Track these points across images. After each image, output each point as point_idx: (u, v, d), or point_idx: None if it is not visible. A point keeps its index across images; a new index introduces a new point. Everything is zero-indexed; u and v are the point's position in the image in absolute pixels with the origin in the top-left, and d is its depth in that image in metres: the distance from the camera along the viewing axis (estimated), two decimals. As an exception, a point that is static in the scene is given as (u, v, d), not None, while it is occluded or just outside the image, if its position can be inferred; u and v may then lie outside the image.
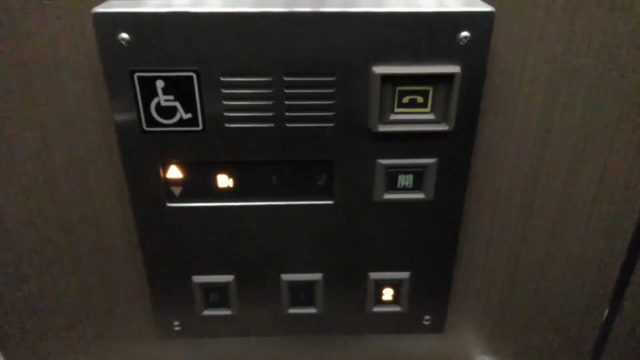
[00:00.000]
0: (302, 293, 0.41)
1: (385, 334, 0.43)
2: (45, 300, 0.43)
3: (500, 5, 0.33)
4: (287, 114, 0.33)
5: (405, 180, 0.36)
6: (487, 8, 0.31)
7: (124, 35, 0.31)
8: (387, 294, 0.41)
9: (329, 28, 0.31)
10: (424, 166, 0.35)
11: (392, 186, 0.36)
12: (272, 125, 0.34)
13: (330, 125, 0.34)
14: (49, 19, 0.33)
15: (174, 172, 0.36)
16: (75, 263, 0.41)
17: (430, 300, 0.41)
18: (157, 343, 0.46)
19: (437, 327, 0.42)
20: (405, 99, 0.33)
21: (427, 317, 0.42)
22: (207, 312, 0.41)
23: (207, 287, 0.40)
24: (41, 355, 0.46)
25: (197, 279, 0.40)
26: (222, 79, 0.32)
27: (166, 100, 0.33)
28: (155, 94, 0.33)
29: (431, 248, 0.39)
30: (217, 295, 0.41)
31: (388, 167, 0.35)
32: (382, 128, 0.33)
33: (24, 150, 0.36)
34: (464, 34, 0.31)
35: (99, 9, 0.30)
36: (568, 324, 0.45)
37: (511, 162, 0.38)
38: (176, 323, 0.42)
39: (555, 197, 0.39)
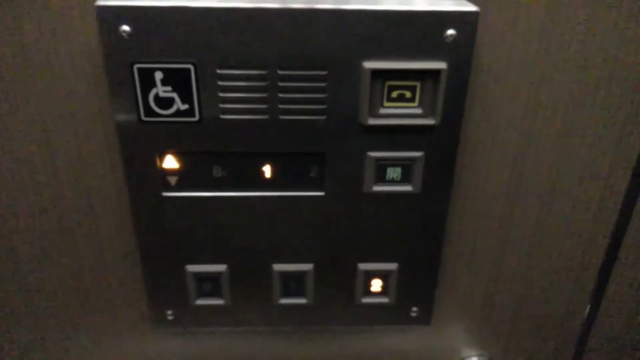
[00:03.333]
0: (293, 283, 0.42)
1: (373, 325, 0.44)
2: (39, 290, 0.43)
3: (485, 4, 0.34)
4: (280, 106, 0.35)
5: (393, 172, 0.37)
6: (472, 8, 0.32)
7: (125, 28, 0.32)
8: (376, 285, 0.42)
9: (322, 24, 0.32)
10: (411, 159, 0.36)
11: (381, 178, 0.37)
12: (266, 117, 0.35)
13: (322, 118, 0.35)
14: (51, 10, 0.34)
15: (170, 162, 0.37)
16: (69, 252, 0.42)
17: (417, 292, 0.42)
18: (150, 334, 0.46)
19: (424, 318, 0.44)
20: (394, 94, 0.34)
21: (414, 308, 0.43)
22: (200, 302, 0.42)
23: (201, 277, 0.41)
24: (32, 344, 0.46)
25: (191, 268, 0.41)
26: (218, 71, 0.33)
27: (164, 91, 0.34)
28: (154, 85, 0.34)
29: (419, 240, 0.40)
30: (210, 284, 0.42)
31: (377, 159, 0.36)
32: (372, 121, 0.35)
33: (22, 138, 0.37)
34: (450, 32, 0.33)
35: (102, 2, 0.32)
36: (553, 317, 0.46)
37: (496, 156, 0.39)
38: (169, 312, 0.43)
39: (540, 190, 0.41)
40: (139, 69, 0.33)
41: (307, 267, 0.41)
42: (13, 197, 0.39)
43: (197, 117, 0.35)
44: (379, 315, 0.43)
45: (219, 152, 0.36)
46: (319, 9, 0.32)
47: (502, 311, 0.46)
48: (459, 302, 0.46)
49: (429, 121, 0.35)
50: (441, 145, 0.36)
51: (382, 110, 0.35)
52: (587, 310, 0.47)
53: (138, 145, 0.36)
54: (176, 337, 0.47)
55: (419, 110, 0.35)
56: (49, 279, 0.43)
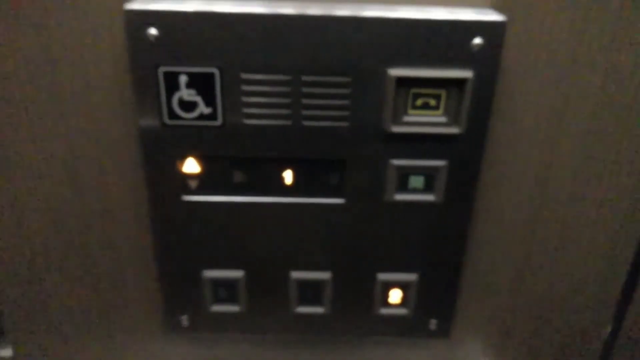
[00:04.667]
0: (311, 292, 0.41)
1: (391, 336, 0.43)
2: (55, 292, 0.43)
3: (512, 13, 0.34)
4: (303, 112, 0.34)
5: (416, 181, 0.37)
6: (500, 17, 0.32)
7: (152, 32, 0.32)
8: (395, 295, 0.41)
9: (347, 31, 0.32)
10: (434, 168, 0.36)
11: (403, 187, 0.37)
12: (289, 123, 0.35)
13: (345, 124, 0.35)
14: (79, 13, 0.34)
15: (191, 166, 0.37)
16: (86, 255, 0.42)
17: (437, 304, 0.42)
18: (164, 340, 0.46)
19: (443, 332, 0.43)
20: (419, 102, 0.34)
21: (433, 321, 0.42)
22: (215, 308, 0.42)
23: (217, 282, 0.41)
24: (48, 349, 0.46)
25: (208, 273, 0.40)
26: (242, 76, 0.34)
27: (188, 95, 0.34)
28: (178, 88, 0.34)
29: (439, 251, 0.39)
30: (226, 290, 0.41)
31: (400, 167, 0.36)
32: (396, 129, 0.34)
33: (44, 139, 0.38)
34: (477, 41, 0.32)
35: (131, 5, 0.32)
36: (574, 331, 0.45)
37: (521, 166, 0.39)
38: (184, 318, 0.42)
39: (564, 202, 0.40)
40: (165, 73, 0.33)
41: (325, 275, 0.40)
42: (31, 201, 0.39)
43: (219, 121, 0.35)
44: (396, 327, 0.43)
45: (240, 157, 0.36)
46: (345, 17, 0.32)
47: (522, 326, 0.45)
48: (479, 316, 0.45)
49: (453, 130, 0.34)
50: (465, 155, 0.36)
51: (406, 118, 0.34)
52: (610, 327, 0.45)
53: (160, 149, 0.36)
54: (191, 343, 0.47)
55: (443, 119, 0.34)
56: (65, 282, 0.43)
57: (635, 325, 0.45)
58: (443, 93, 0.34)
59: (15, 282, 0.43)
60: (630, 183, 0.39)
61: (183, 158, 0.36)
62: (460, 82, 0.33)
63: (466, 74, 0.33)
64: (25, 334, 0.45)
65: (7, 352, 0.46)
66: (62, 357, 0.47)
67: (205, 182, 0.37)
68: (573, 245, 0.42)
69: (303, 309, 0.42)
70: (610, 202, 0.40)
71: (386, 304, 0.42)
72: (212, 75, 0.34)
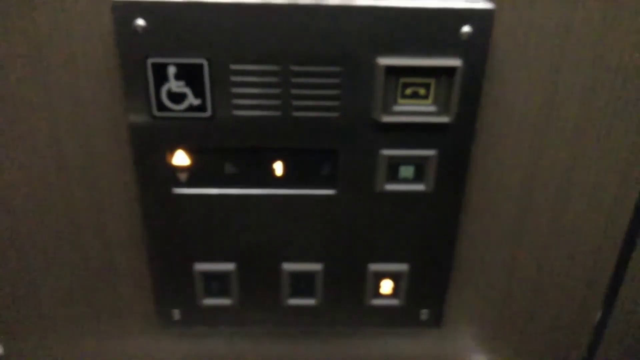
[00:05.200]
0: (302, 283, 0.41)
1: (383, 327, 0.43)
2: (46, 289, 0.43)
3: (500, 1, 0.34)
4: (293, 102, 0.34)
5: (406, 171, 0.37)
6: (488, 5, 0.32)
7: (140, 22, 0.32)
8: (386, 286, 0.41)
9: (336, 20, 0.32)
10: (424, 157, 0.36)
11: (394, 177, 0.37)
12: (279, 113, 0.35)
13: (335, 114, 0.35)
14: (66, 4, 0.34)
15: (180, 158, 0.37)
16: (76, 250, 0.42)
17: (428, 294, 0.42)
18: (156, 334, 0.46)
19: (434, 321, 0.43)
20: (408, 91, 0.34)
21: (424, 311, 0.42)
22: (207, 301, 0.42)
23: (209, 275, 0.41)
24: (40, 346, 0.46)
25: (199, 266, 0.40)
26: (231, 66, 0.33)
27: (177, 86, 0.34)
28: (167, 80, 0.34)
29: (430, 241, 0.39)
30: (218, 283, 0.41)
31: (390, 157, 0.36)
32: (386, 118, 0.34)
33: (33, 132, 0.37)
34: (466, 29, 0.33)
35: None
36: (564, 319, 0.46)
37: (510, 155, 0.39)
38: (176, 312, 0.42)
39: (554, 190, 0.40)
40: (153, 64, 0.33)
41: (317, 267, 0.40)
42: (20, 193, 0.39)
43: (209, 113, 0.35)
44: (388, 318, 0.43)
45: (230, 149, 0.36)
46: (333, 5, 0.32)
47: (513, 315, 0.46)
48: (469, 305, 0.45)
49: (443, 119, 0.34)
50: (455, 144, 0.36)
51: (396, 108, 0.34)
52: (599, 315, 0.46)
53: (149, 141, 0.36)
54: (182, 337, 0.46)
55: (433, 108, 0.34)
56: (55, 277, 0.43)
57: (624, 312, 0.45)
58: (432, 82, 0.34)
59: (5, 279, 0.42)
60: (620, 170, 0.39)
61: (173, 150, 0.36)
62: (449, 71, 0.33)
63: (455, 62, 0.33)
64: (16, 331, 0.45)
65: (-3, 349, 0.46)
66: (53, 354, 0.46)
67: (195, 175, 0.37)
68: (564, 232, 0.42)
69: (295, 301, 0.42)
70: (600, 189, 0.40)
71: (377, 294, 0.42)
72: (200, 66, 0.33)
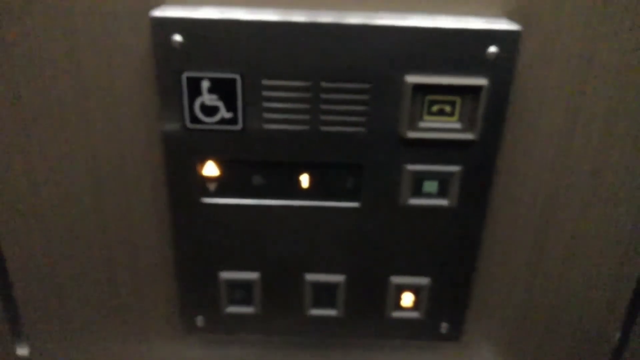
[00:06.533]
0: (325, 294, 0.42)
1: (403, 339, 0.44)
2: (73, 291, 0.44)
3: (527, 22, 0.35)
4: (322, 117, 0.35)
5: (430, 186, 0.37)
6: (515, 27, 0.33)
7: (177, 38, 0.33)
8: (407, 299, 0.42)
9: (366, 39, 0.33)
10: (449, 173, 0.37)
11: (418, 192, 0.38)
12: (307, 127, 0.36)
13: (362, 130, 0.36)
14: (105, 19, 0.35)
15: (211, 169, 0.38)
16: (104, 256, 0.43)
17: (448, 307, 0.42)
18: (180, 341, 0.47)
19: (454, 335, 0.43)
20: (434, 108, 0.35)
21: (444, 324, 0.43)
22: (231, 309, 0.43)
23: (233, 284, 0.42)
24: (65, 348, 0.47)
25: (224, 275, 0.41)
26: (263, 82, 0.34)
27: (210, 100, 0.35)
28: (200, 93, 0.35)
29: (452, 255, 0.40)
30: (242, 292, 0.42)
31: (415, 172, 0.37)
32: (411, 134, 0.35)
33: (69, 142, 0.39)
34: (492, 50, 0.33)
35: (157, 13, 0.33)
36: (584, 337, 0.46)
37: (533, 172, 0.39)
38: (200, 319, 0.43)
39: (576, 208, 0.41)
40: (188, 78, 0.34)
41: (339, 278, 0.41)
42: (52, 199, 0.40)
43: (240, 126, 0.36)
44: (408, 330, 0.43)
45: (258, 161, 0.37)
46: (364, 25, 0.33)
47: (532, 331, 0.46)
48: (489, 320, 0.45)
49: (468, 136, 0.35)
50: (479, 161, 0.36)
51: (422, 124, 0.35)
52: (619, 335, 0.46)
53: (181, 152, 0.37)
54: (205, 344, 0.47)
55: (458, 125, 0.35)
56: (82, 281, 0.44)
57: (644, 332, 0.45)
58: (458, 100, 0.35)
59: (33, 282, 0.44)
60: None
61: (203, 161, 0.37)
62: (475, 90, 0.34)
63: (481, 81, 0.34)
64: (42, 333, 0.46)
65: (24, 351, 0.47)
66: (77, 357, 0.47)
67: (224, 185, 0.38)
68: (585, 250, 0.42)
69: (317, 312, 0.43)
70: (622, 208, 0.40)
71: (398, 307, 0.42)
72: (233, 80, 0.35)
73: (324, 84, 0.34)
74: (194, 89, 0.35)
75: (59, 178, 0.40)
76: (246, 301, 0.42)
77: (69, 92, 0.37)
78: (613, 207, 0.40)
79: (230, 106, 0.35)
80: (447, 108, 0.35)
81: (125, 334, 0.46)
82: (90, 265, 0.43)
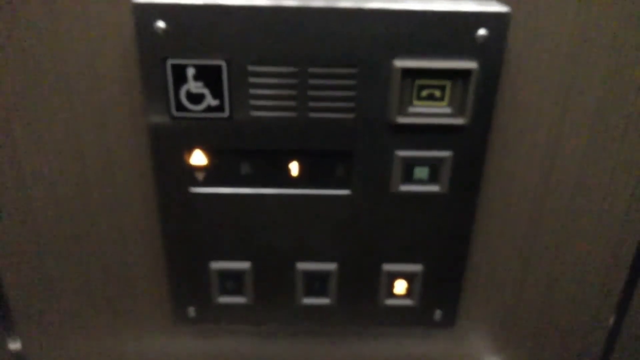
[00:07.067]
0: (317, 283, 0.42)
1: (396, 327, 0.44)
2: (63, 285, 0.44)
3: (517, 5, 0.34)
4: (310, 104, 0.35)
5: (421, 172, 0.37)
6: (504, 9, 0.32)
7: (160, 24, 0.33)
8: (400, 286, 0.42)
9: (353, 23, 0.33)
10: (439, 159, 0.36)
11: (408, 178, 0.37)
12: (295, 114, 0.35)
13: (351, 116, 0.35)
14: (87, 6, 0.34)
15: (198, 158, 0.37)
16: (94, 247, 0.42)
17: (441, 294, 0.42)
18: (171, 331, 0.47)
19: (448, 322, 0.43)
20: (424, 93, 0.35)
21: (438, 311, 0.43)
22: (222, 299, 0.42)
23: (224, 274, 0.41)
24: (57, 340, 0.47)
25: (215, 265, 0.41)
26: (249, 68, 0.34)
27: (196, 87, 0.35)
28: (186, 81, 0.34)
29: (444, 242, 0.40)
30: (233, 282, 0.42)
31: (405, 158, 0.36)
32: (401, 120, 0.35)
33: (53, 132, 0.38)
34: (482, 32, 0.33)
35: None
36: (578, 321, 0.46)
37: (525, 157, 0.39)
38: (191, 309, 0.43)
39: (569, 192, 0.40)
40: (173, 65, 0.34)
41: (331, 266, 0.41)
42: (39, 191, 0.40)
43: (227, 113, 0.35)
44: (401, 318, 0.43)
45: (247, 149, 0.37)
46: (350, 9, 0.32)
47: (526, 316, 0.46)
48: (483, 306, 0.45)
49: (458, 121, 0.35)
50: (470, 146, 0.36)
51: (412, 109, 0.35)
52: (613, 319, 0.46)
53: (168, 141, 0.36)
54: (197, 335, 0.47)
55: (448, 110, 0.35)
56: (73, 273, 0.43)
57: (637, 317, 0.45)
58: (448, 84, 0.34)
59: (23, 275, 0.43)
60: (636, 172, 0.39)
61: (190, 150, 0.37)
62: (465, 73, 0.33)
63: (471, 65, 0.33)
64: (34, 326, 0.46)
65: (16, 344, 0.47)
66: (69, 349, 0.47)
67: (212, 174, 0.38)
68: (578, 235, 0.42)
69: (309, 300, 0.42)
70: (614, 193, 0.40)
71: (391, 294, 0.42)
72: (219, 67, 0.34)
73: (311, 70, 0.34)
74: (179, 77, 0.34)
75: (45, 171, 0.39)
76: (237, 291, 0.42)
77: (52, 82, 0.36)
78: (606, 191, 0.40)
79: (217, 93, 0.35)
80: (437, 93, 0.34)
81: (116, 326, 0.46)
82: (80, 258, 0.43)
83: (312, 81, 0.34)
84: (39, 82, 0.36)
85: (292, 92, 0.35)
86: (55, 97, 0.37)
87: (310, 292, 0.42)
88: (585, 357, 0.48)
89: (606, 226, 0.41)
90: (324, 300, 0.42)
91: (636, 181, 0.40)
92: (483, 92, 0.34)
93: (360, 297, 0.42)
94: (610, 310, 0.45)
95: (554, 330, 0.46)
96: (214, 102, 0.35)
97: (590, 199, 0.40)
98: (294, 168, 0.38)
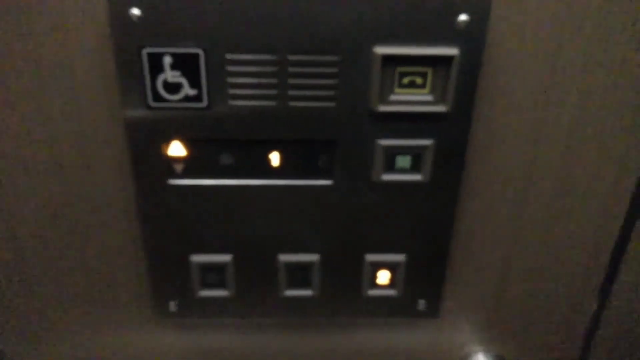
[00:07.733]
0: (299, 274, 0.41)
1: (380, 317, 0.43)
2: (41, 281, 0.43)
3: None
4: (290, 92, 0.34)
5: (403, 161, 0.37)
6: (485, -6, 0.32)
7: (135, 12, 0.32)
8: (383, 276, 0.41)
9: (332, 9, 0.32)
10: (421, 147, 0.36)
11: (391, 167, 0.37)
12: (275, 103, 0.35)
13: (332, 104, 0.35)
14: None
15: (176, 149, 0.36)
16: (73, 242, 0.41)
17: (425, 284, 0.42)
18: (153, 326, 0.46)
19: (431, 312, 0.43)
20: (405, 80, 0.34)
21: (421, 301, 0.43)
22: (204, 293, 0.42)
23: (205, 267, 0.41)
24: (37, 337, 0.46)
25: (196, 258, 0.40)
26: (227, 56, 0.33)
27: (173, 77, 0.34)
28: (162, 70, 0.34)
29: (427, 231, 0.39)
30: (214, 275, 0.41)
31: (387, 147, 0.36)
32: (383, 108, 0.34)
33: (28, 121, 0.37)
34: (463, 18, 0.32)
35: None
36: (560, 313, 0.46)
37: (508, 145, 0.39)
38: (173, 304, 0.42)
39: (551, 181, 0.40)
40: (149, 54, 0.33)
41: (314, 257, 0.40)
42: (15, 185, 0.39)
43: (205, 103, 0.34)
44: (385, 308, 0.43)
45: (226, 139, 0.36)
46: (330, -6, 0.32)
47: (509, 306, 0.46)
48: (466, 296, 0.45)
49: (440, 108, 0.34)
50: (452, 134, 0.36)
51: (393, 97, 0.34)
52: (595, 307, 0.46)
53: (145, 132, 0.35)
54: (179, 329, 0.46)
55: (430, 97, 0.34)
56: (50, 269, 0.42)
57: (619, 305, 0.46)
58: (429, 71, 0.34)
59: (1, 274, 0.42)
60: (617, 163, 0.39)
61: (168, 141, 0.36)
62: (446, 60, 0.33)
63: (452, 51, 0.33)
64: (11, 324, 0.45)
65: (-7, 343, 0.45)
66: (50, 347, 0.46)
67: (191, 166, 0.37)
68: (562, 222, 0.42)
69: (292, 292, 0.42)
70: (597, 181, 0.40)
71: (375, 285, 0.42)
72: (196, 56, 0.33)
73: (290, 57, 0.33)
74: (156, 66, 0.33)
75: (19, 165, 0.38)
76: (219, 284, 0.41)
77: (26, 72, 0.35)
78: (590, 177, 0.40)
79: (194, 83, 0.34)
80: (418, 80, 0.34)
81: (97, 321, 0.45)
82: (58, 253, 0.42)
83: (292, 69, 0.34)
84: (12, 72, 0.35)
85: (272, 81, 0.34)
86: (29, 87, 0.36)
87: (293, 284, 0.42)
88: (568, 345, 0.48)
89: (589, 215, 0.42)
90: (307, 292, 0.42)
91: (619, 168, 0.40)
92: (465, 79, 0.34)
93: (344, 288, 0.42)
94: (593, 298, 0.46)
95: (537, 317, 0.47)
96: (192, 92, 0.34)
97: (573, 187, 0.41)
98: (275, 158, 0.37)
